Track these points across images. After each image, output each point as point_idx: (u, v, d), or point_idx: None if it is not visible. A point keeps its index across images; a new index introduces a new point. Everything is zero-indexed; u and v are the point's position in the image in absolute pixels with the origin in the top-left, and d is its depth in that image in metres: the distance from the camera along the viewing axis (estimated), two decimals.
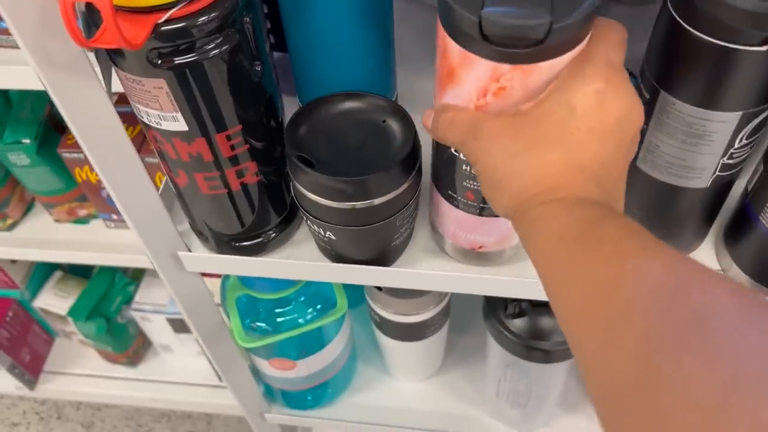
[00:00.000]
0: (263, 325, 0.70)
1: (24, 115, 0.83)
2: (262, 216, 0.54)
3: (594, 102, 0.33)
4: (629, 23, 0.42)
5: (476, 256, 0.52)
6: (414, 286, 0.57)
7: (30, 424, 1.39)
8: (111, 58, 0.41)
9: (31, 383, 1.17)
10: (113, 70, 0.42)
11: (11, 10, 0.37)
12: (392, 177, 0.46)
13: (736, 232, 0.51)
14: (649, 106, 0.43)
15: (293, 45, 0.54)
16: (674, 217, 0.49)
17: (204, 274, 0.66)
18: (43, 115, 0.84)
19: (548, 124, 0.34)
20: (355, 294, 0.83)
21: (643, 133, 0.44)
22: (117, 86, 0.44)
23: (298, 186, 0.47)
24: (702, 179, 0.45)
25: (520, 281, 0.53)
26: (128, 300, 1.08)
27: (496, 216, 0.46)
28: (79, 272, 1.13)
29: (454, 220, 0.49)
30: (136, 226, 0.53)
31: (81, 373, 1.19)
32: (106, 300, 1.08)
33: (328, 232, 0.50)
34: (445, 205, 0.48)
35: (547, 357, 0.67)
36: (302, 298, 0.70)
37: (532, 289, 0.54)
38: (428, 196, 0.53)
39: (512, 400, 0.78)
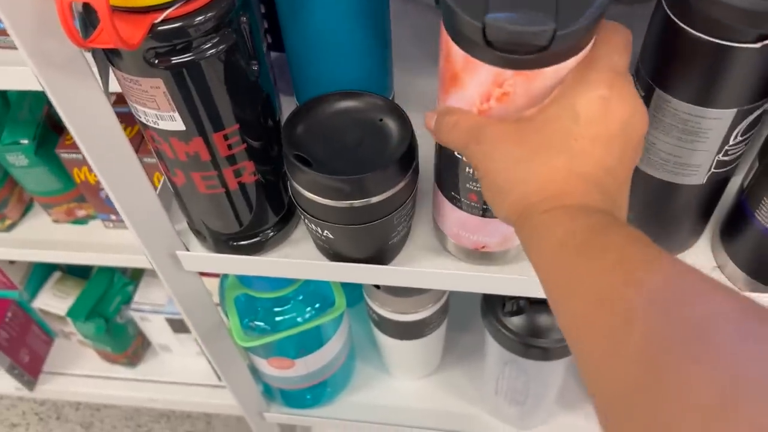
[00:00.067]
0: (262, 324, 0.71)
1: (22, 115, 0.83)
2: (259, 215, 0.54)
3: (598, 108, 0.33)
4: (625, 22, 0.42)
5: (480, 255, 0.53)
6: (412, 285, 0.57)
7: (29, 424, 1.39)
8: (108, 58, 0.41)
9: (30, 384, 1.17)
10: (110, 70, 0.42)
11: (9, 11, 0.37)
12: (389, 175, 0.46)
13: (732, 228, 0.51)
14: (645, 104, 0.43)
15: (290, 45, 0.54)
16: (670, 214, 0.50)
17: (202, 274, 0.66)
18: (41, 115, 0.84)
19: (552, 130, 0.34)
20: (354, 293, 0.83)
21: None
22: (115, 86, 0.44)
23: (296, 185, 0.47)
24: (698, 176, 0.45)
25: (517, 279, 0.53)
26: (127, 300, 1.08)
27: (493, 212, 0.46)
28: (77, 273, 1.13)
29: (457, 220, 0.49)
30: (134, 225, 0.53)
31: (80, 373, 1.19)
32: (105, 300, 1.09)
33: (325, 231, 0.50)
34: (447, 206, 0.48)
35: (544, 354, 0.67)
36: (300, 297, 0.70)
37: (530, 287, 0.54)
38: (431, 196, 0.53)
39: (511, 398, 0.79)
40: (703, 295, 0.26)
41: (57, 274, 1.13)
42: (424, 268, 0.55)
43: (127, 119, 0.54)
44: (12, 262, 1.08)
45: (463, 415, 0.86)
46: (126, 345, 1.14)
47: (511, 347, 0.68)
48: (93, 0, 0.34)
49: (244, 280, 0.69)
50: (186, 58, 0.40)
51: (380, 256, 0.54)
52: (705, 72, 0.39)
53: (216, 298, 0.76)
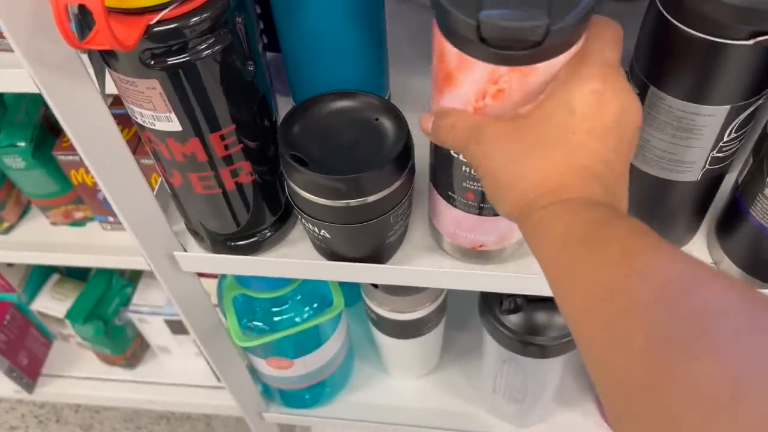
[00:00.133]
0: (260, 324, 0.71)
1: (19, 118, 0.83)
2: (257, 215, 0.54)
3: (592, 101, 0.33)
4: (619, 19, 0.42)
5: (477, 254, 0.53)
6: (409, 283, 0.57)
7: (29, 427, 1.39)
8: (104, 59, 0.41)
9: (29, 386, 1.17)
10: (107, 72, 0.43)
11: (4, 13, 0.37)
12: (385, 175, 0.46)
13: (727, 225, 0.51)
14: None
15: (286, 45, 0.54)
16: (666, 211, 0.50)
17: (201, 275, 0.66)
18: (38, 117, 0.84)
19: (548, 126, 0.34)
20: (352, 292, 0.83)
21: None
22: (111, 88, 0.44)
23: (292, 185, 0.48)
24: (692, 173, 0.46)
25: (514, 276, 0.54)
26: (125, 302, 1.09)
27: (495, 215, 0.47)
28: (76, 275, 1.14)
29: (453, 220, 0.49)
30: (131, 227, 0.53)
31: (79, 375, 1.20)
32: (104, 302, 1.09)
33: (322, 231, 0.50)
34: (443, 205, 0.49)
35: (542, 352, 0.67)
36: (299, 297, 0.71)
37: (527, 284, 0.54)
38: (426, 196, 0.54)
39: (509, 396, 0.79)
40: (706, 286, 0.26)
41: (55, 277, 1.13)
42: (422, 266, 0.55)
43: (124, 120, 0.54)
44: (10, 265, 1.08)
45: (461, 414, 0.86)
46: (125, 347, 1.14)
47: (509, 345, 0.68)
48: (88, 1, 0.34)
49: (242, 281, 0.69)
50: (182, 58, 0.40)
51: (377, 256, 0.54)
52: (698, 69, 0.39)
53: (214, 299, 0.76)
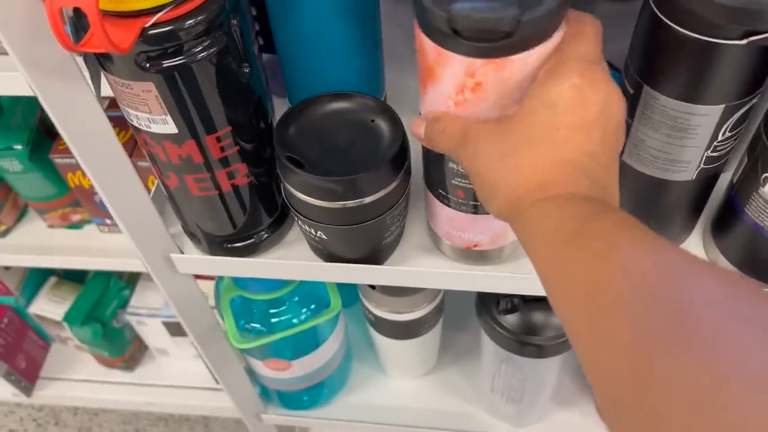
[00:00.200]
0: (258, 326, 0.71)
1: (15, 121, 0.83)
2: (253, 217, 0.54)
3: (572, 96, 0.34)
4: (613, 19, 0.42)
5: (475, 255, 0.53)
6: (406, 284, 0.57)
7: (27, 430, 1.39)
8: (99, 62, 0.41)
9: (27, 390, 1.17)
10: (102, 75, 0.43)
11: None
12: (381, 176, 0.46)
13: (723, 224, 0.51)
14: (634, 101, 0.43)
15: (282, 47, 0.54)
16: (661, 210, 0.50)
17: (198, 277, 0.66)
18: (34, 120, 0.84)
19: (532, 123, 0.34)
20: (350, 293, 0.83)
21: (628, 127, 0.45)
22: (107, 90, 0.44)
23: (289, 186, 0.48)
24: (687, 172, 0.46)
25: (511, 276, 0.54)
26: (123, 304, 1.08)
27: (488, 214, 0.47)
28: (73, 277, 1.14)
29: (447, 219, 0.49)
30: (128, 229, 0.53)
31: (77, 378, 1.19)
32: (102, 305, 1.09)
33: (319, 232, 0.50)
34: (437, 205, 0.49)
35: (540, 352, 0.67)
36: (296, 299, 0.71)
37: (524, 284, 0.54)
38: (422, 197, 0.54)
39: (507, 396, 0.79)
40: (689, 277, 0.26)
41: (53, 280, 1.13)
42: (419, 267, 0.55)
43: (120, 123, 0.54)
44: (7, 268, 1.08)
45: (460, 414, 0.87)
46: (123, 349, 1.14)
47: (506, 345, 0.68)
48: (83, 4, 0.34)
49: (239, 282, 0.69)
50: (177, 61, 0.40)
51: (374, 256, 0.54)
52: (692, 69, 0.39)
53: (212, 301, 0.76)
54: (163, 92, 0.41)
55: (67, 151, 0.80)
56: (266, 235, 0.56)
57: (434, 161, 0.45)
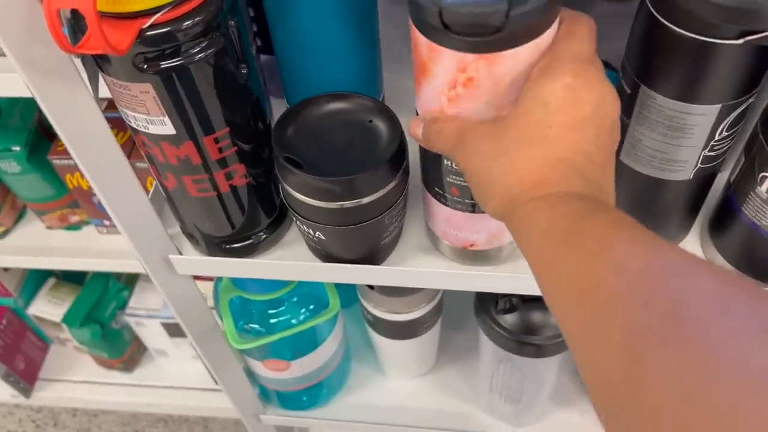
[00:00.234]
0: (256, 326, 0.71)
1: (13, 122, 0.83)
2: (251, 218, 0.54)
3: (565, 95, 0.34)
4: (610, 19, 0.42)
5: (472, 255, 0.53)
6: (405, 284, 0.57)
7: None
8: (97, 63, 0.41)
9: (26, 391, 1.17)
10: (100, 76, 0.43)
11: None
12: (379, 176, 0.46)
13: (720, 223, 0.51)
14: (631, 101, 0.43)
15: (279, 48, 0.54)
16: (659, 210, 0.50)
17: (197, 277, 0.66)
18: (32, 122, 0.84)
19: (526, 123, 0.35)
20: (348, 294, 0.83)
21: (625, 127, 0.45)
22: (105, 92, 0.44)
23: (287, 187, 0.48)
24: (684, 172, 0.46)
25: (509, 276, 0.54)
26: (122, 305, 1.08)
27: (484, 212, 0.47)
28: (72, 279, 1.13)
29: (444, 218, 0.50)
30: (126, 230, 0.53)
31: (76, 379, 1.19)
32: (100, 306, 1.09)
33: (317, 232, 0.50)
34: (435, 204, 0.49)
35: (538, 351, 0.67)
36: (295, 299, 0.71)
37: (522, 284, 0.54)
38: (420, 197, 0.54)
39: (506, 396, 0.79)
40: (680, 274, 0.26)
41: (51, 281, 1.13)
42: (417, 267, 0.55)
43: (118, 124, 0.54)
44: (6, 270, 1.08)
45: (458, 414, 0.87)
46: (122, 350, 1.14)
47: (504, 345, 0.68)
48: (81, 6, 0.34)
49: (238, 283, 0.69)
50: (175, 62, 0.40)
51: (372, 257, 0.54)
52: (689, 69, 0.39)
53: (210, 302, 0.76)
54: (161, 93, 0.41)
55: (65, 153, 0.80)
56: (265, 236, 0.56)
57: (431, 159, 0.45)
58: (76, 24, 0.38)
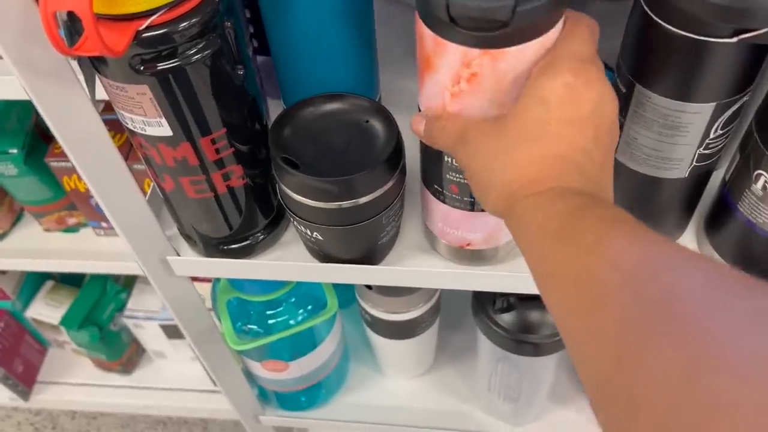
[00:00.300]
0: (255, 327, 0.71)
1: (10, 125, 0.83)
2: (249, 218, 0.54)
3: (565, 93, 0.34)
4: (606, 19, 0.42)
5: (469, 255, 0.53)
6: (402, 284, 0.58)
7: None
8: (94, 65, 0.42)
9: (24, 394, 1.17)
10: (97, 78, 0.43)
11: None
12: (377, 176, 0.46)
13: (716, 221, 0.52)
14: (626, 100, 0.44)
15: (276, 48, 0.54)
16: (655, 208, 0.50)
17: (195, 279, 0.66)
18: (29, 124, 0.84)
19: (526, 120, 0.35)
20: (346, 294, 0.83)
21: (620, 126, 0.45)
22: (102, 94, 0.44)
23: (284, 187, 0.48)
24: (680, 170, 0.46)
25: (506, 275, 0.54)
26: (120, 307, 1.08)
27: (482, 211, 0.47)
28: (70, 281, 1.13)
29: (442, 216, 0.50)
30: (124, 232, 0.53)
31: (75, 382, 1.19)
32: (99, 308, 1.09)
33: (315, 233, 0.50)
34: (433, 202, 0.49)
35: (536, 350, 0.68)
36: (293, 300, 0.71)
37: (520, 283, 0.55)
38: (417, 197, 0.54)
39: (504, 395, 0.79)
40: (673, 267, 0.27)
41: (49, 283, 1.13)
42: (414, 267, 0.55)
43: (116, 126, 0.54)
44: (4, 272, 1.08)
45: (457, 413, 0.87)
46: (120, 352, 1.14)
47: (502, 344, 0.68)
48: (77, 8, 0.34)
49: (236, 284, 0.69)
50: (171, 64, 0.40)
51: (370, 257, 0.54)
52: (683, 67, 0.40)
53: (209, 303, 0.76)
54: (158, 95, 0.41)
55: (62, 155, 0.80)
56: (262, 237, 0.56)
57: (431, 156, 0.45)
58: (73, 26, 0.38)
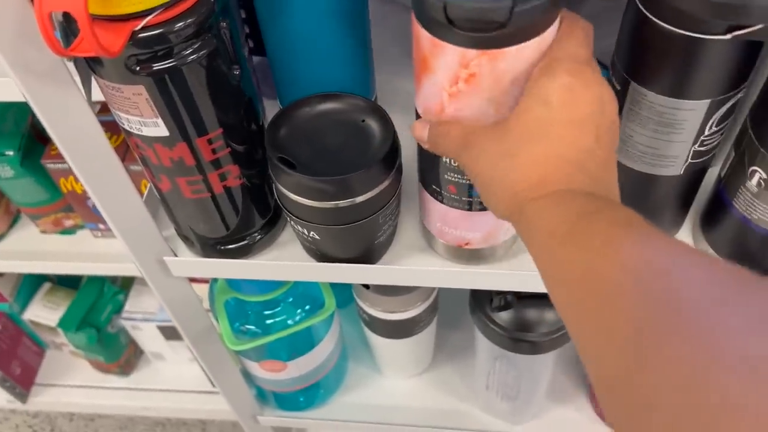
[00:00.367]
0: (252, 327, 0.71)
1: (6, 126, 0.83)
2: (246, 218, 0.54)
3: (564, 94, 0.34)
4: (601, 17, 0.43)
5: (467, 254, 0.53)
6: (399, 283, 0.58)
7: None
8: (90, 66, 0.42)
9: (22, 396, 1.17)
10: (93, 78, 0.43)
11: None
12: (373, 175, 0.46)
13: (712, 218, 0.52)
14: (621, 98, 0.44)
15: (272, 49, 0.54)
16: (651, 205, 0.50)
17: (192, 280, 0.66)
18: (26, 126, 0.84)
19: (527, 121, 0.35)
20: (344, 294, 0.84)
21: None
22: (98, 95, 0.44)
23: (281, 187, 0.48)
24: (675, 167, 0.46)
25: (503, 274, 0.54)
26: (118, 309, 1.08)
27: (480, 210, 0.47)
28: (67, 283, 1.13)
29: (440, 216, 0.50)
30: (121, 233, 0.53)
31: (73, 384, 1.19)
32: (96, 310, 1.08)
33: (312, 232, 0.50)
34: (431, 202, 0.49)
35: (533, 348, 0.68)
36: (290, 300, 0.71)
37: (517, 282, 0.55)
38: (414, 197, 0.54)
39: (502, 393, 0.79)
40: (683, 267, 0.27)
41: (47, 285, 1.13)
42: (412, 266, 0.55)
43: (112, 128, 0.54)
44: (1, 275, 1.07)
45: (455, 412, 0.87)
46: (118, 354, 1.14)
47: (500, 342, 0.68)
48: (72, 9, 0.34)
49: (234, 284, 0.69)
50: (167, 64, 0.40)
51: (367, 256, 0.54)
52: (677, 64, 0.40)
53: (206, 304, 0.76)
54: (154, 95, 0.41)
55: (59, 156, 0.79)
56: (259, 237, 0.56)
57: (428, 156, 0.45)
58: (68, 27, 0.38)
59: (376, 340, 0.81)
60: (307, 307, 0.72)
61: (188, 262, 0.58)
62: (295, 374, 0.79)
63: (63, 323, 1.07)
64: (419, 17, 0.37)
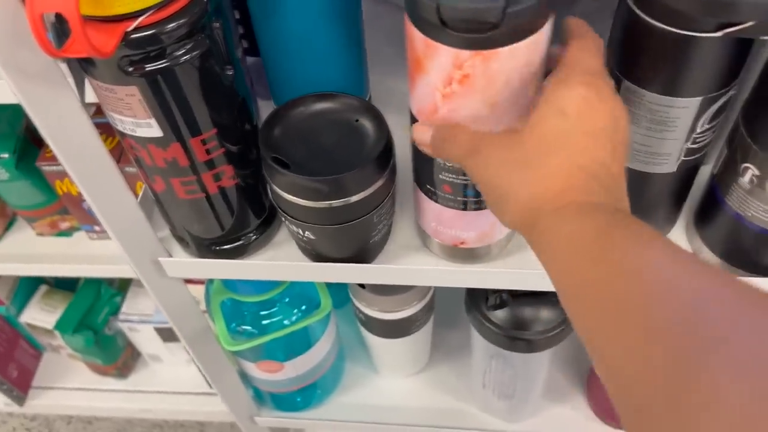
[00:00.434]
0: (249, 328, 0.71)
1: (1, 129, 0.83)
2: (241, 219, 0.54)
3: (582, 106, 0.34)
4: (593, 16, 0.43)
5: (462, 253, 0.53)
6: (395, 282, 0.58)
7: None
8: (83, 67, 0.42)
9: (20, 399, 1.17)
10: (86, 80, 0.43)
11: None
12: (367, 174, 0.47)
13: (705, 215, 0.52)
14: None
15: (265, 49, 0.54)
16: (645, 203, 0.51)
17: (188, 281, 0.66)
18: (20, 128, 0.83)
19: (543, 131, 0.35)
20: (341, 294, 0.83)
21: None
22: (93, 97, 0.44)
23: (275, 187, 0.48)
24: (668, 164, 0.46)
25: (499, 272, 0.54)
26: (115, 311, 1.08)
27: (475, 210, 0.47)
28: (64, 285, 1.13)
29: (434, 215, 0.50)
30: (116, 235, 0.53)
31: (70, 386, 1.19)
32: (93, 312, 1.08)
33: (306, 232, 0.50)
34: (425, 202, 0.49)
35: (529, 347, 0.68)
36: (287, 300, 0.71)
37: (512, 280, 0.55)
38: (408, 196, 0.54)
39: (499, 392, 0.79)
40: (721, 296, 0.26)
41: (44, 288, 1.13)
42: (407, 265, 0.55)
43: (107, 130, 0.54)
44: None
45: (453, 411, 0.87)
46: (116, 356, 1.14)
47: (496, 341, 0.69)
48: (64, 10, 0.34)
49: (230, 285, 0.69)
50: (160, 65, 0.40)
51: (362, 255, 0.54)
52: (669, 62, 0.40)
53: (203, 305, 0.76)
54: (147, 96, 0.41)
55: (54, 159, 0.79)
56: (254, 237, 0.56)
57: (423, 156, 0.45)
58: (60, 28, 0.38)
59: (373, 340, 0.81)
60: (304, 308, 0.72)
61: (183, 263, 0.58)
62: (292, 375, 0.79)
63: (60, 326, 1.07)
64: (412, 18, 0.37)
